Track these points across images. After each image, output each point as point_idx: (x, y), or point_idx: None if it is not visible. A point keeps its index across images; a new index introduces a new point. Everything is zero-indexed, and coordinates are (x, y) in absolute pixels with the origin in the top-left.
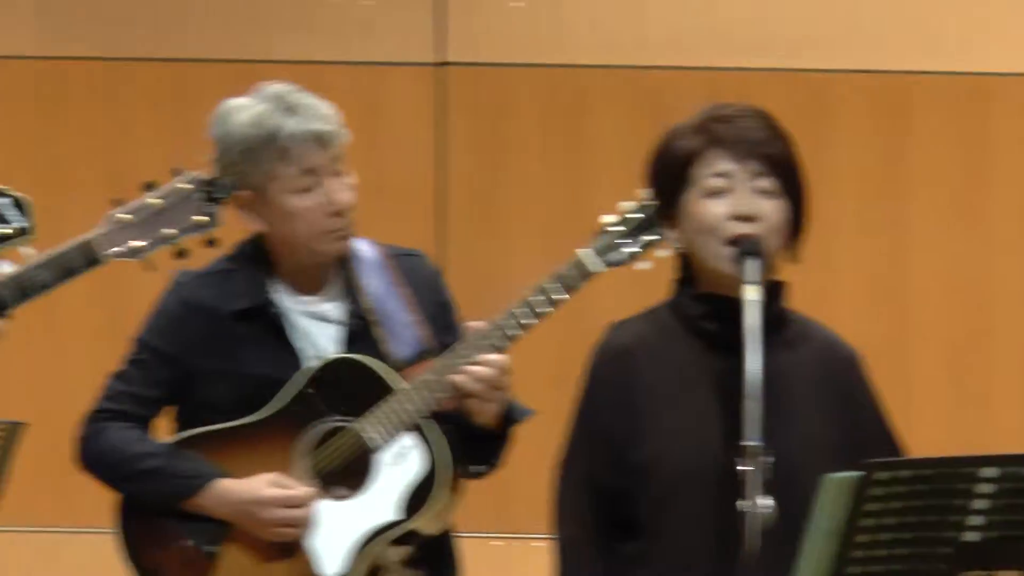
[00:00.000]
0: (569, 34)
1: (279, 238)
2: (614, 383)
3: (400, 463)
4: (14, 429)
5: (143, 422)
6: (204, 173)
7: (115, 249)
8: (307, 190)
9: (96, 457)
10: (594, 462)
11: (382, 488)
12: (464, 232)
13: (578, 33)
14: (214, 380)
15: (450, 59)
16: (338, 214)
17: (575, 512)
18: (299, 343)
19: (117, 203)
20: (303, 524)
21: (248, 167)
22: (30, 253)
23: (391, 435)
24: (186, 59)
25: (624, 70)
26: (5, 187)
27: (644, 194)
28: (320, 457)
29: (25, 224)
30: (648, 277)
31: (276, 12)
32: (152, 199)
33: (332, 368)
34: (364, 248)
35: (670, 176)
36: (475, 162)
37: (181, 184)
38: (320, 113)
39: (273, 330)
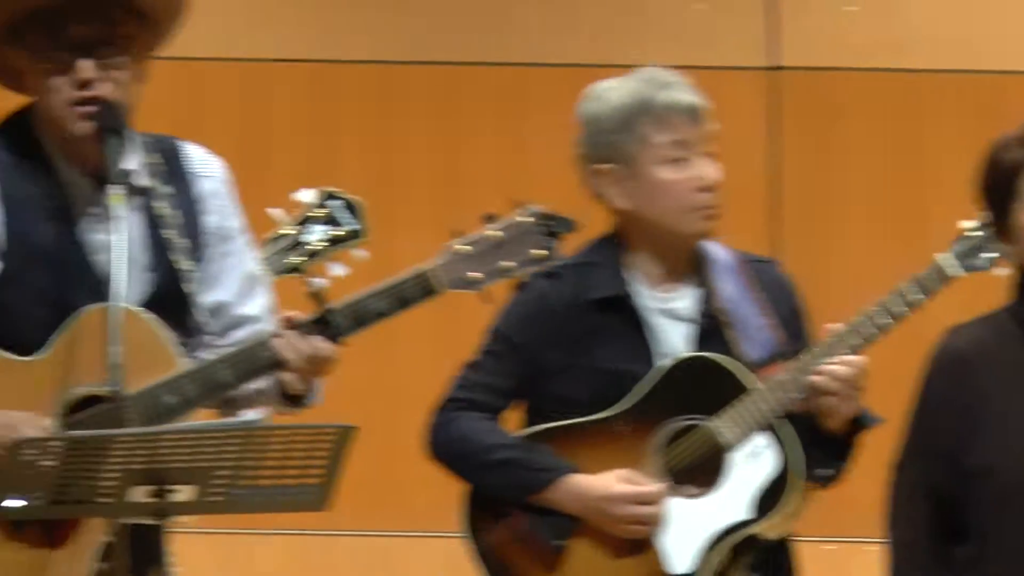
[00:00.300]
0: (903, 38)
1: (643, 217)
2: (951, 388)
3: (753, 462)
4: (345, 433)
5: (494, 412)
6: (544, 207)
7: (452, 280)
8: (677, 162)
9: (446, 446)
10: (930, 466)
11: (734, 487)
12: (798, 235)
13: (912, 37)
14: (567, 374)
15: (784, 63)
16: (707, 189)
17: (910, 516)
18: (652, 339)
19: (456, 234)
20: (654, 521)
21: (621, 136)
22: (362, 256)
23: (745, 434)
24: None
25: (959, 75)
26: (337, 190)
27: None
28: (672, 455)
29: (357, 227)
30: (986, 280)
31: (608, 17)
32: (491, 231)
33: (686, 366)
34: (718, 251)
35: (998, 189)
36: (808, 166)
37: (521, 217)
38: (691, 88)
39: (629, 323)
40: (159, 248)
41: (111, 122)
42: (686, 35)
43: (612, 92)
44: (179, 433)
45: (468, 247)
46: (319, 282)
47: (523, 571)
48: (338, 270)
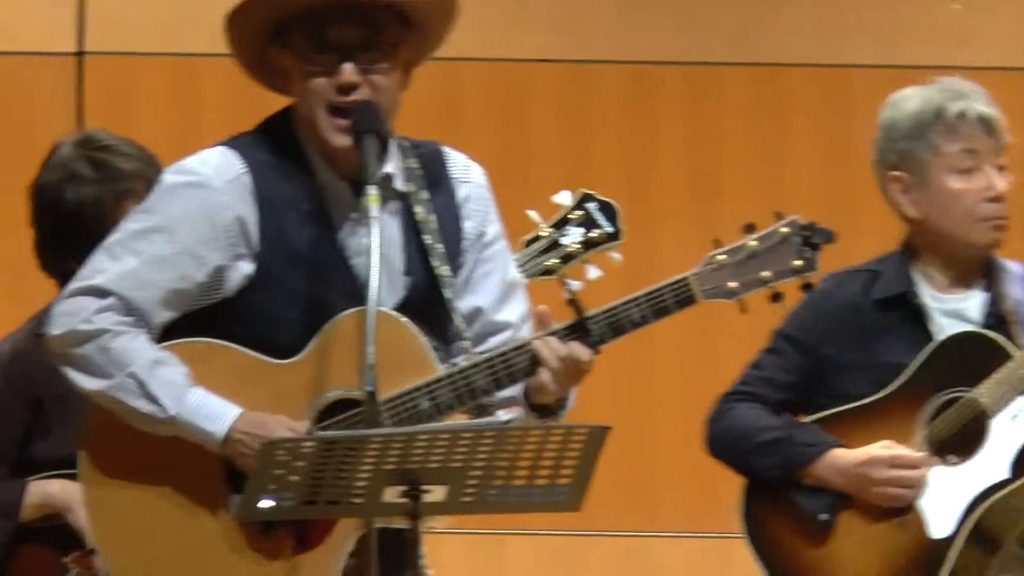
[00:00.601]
0: None
1: (931, 227)
2: None
3: (1014, 424)
4: (598, 433)
5: (772, 405)
6: (802, 218)
7: (710, 289)
8: (967, 171)
9: (720, 436)
10: None
11: (995, 450)
12: None
13: None
14: (849, 371)
15: None
16: (995, 199)
17: None
18: (936, 335)
19: (716, 244)
20: (915, 484)
21: (913, 143)
22: (617, 259)
23: (1007, 398)
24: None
25: None
26: (594, 192)
27: None
28: (936, 427)
29: (613, 229)
30: None
31: (865, 17)
32: (751, 241)
33: (952, 343)
34: (1010, 264)
35: None
36: None
37: (781, 227)
38: (987, 100)
39: (913, 320)
40: (417, 252)
41: (368, 124)
42: (943, 34)
43: (908, 100)
44: (433, 433)
45: (726, 256)
46: (575, 284)
47: (793, 550)
48: (594, 273)
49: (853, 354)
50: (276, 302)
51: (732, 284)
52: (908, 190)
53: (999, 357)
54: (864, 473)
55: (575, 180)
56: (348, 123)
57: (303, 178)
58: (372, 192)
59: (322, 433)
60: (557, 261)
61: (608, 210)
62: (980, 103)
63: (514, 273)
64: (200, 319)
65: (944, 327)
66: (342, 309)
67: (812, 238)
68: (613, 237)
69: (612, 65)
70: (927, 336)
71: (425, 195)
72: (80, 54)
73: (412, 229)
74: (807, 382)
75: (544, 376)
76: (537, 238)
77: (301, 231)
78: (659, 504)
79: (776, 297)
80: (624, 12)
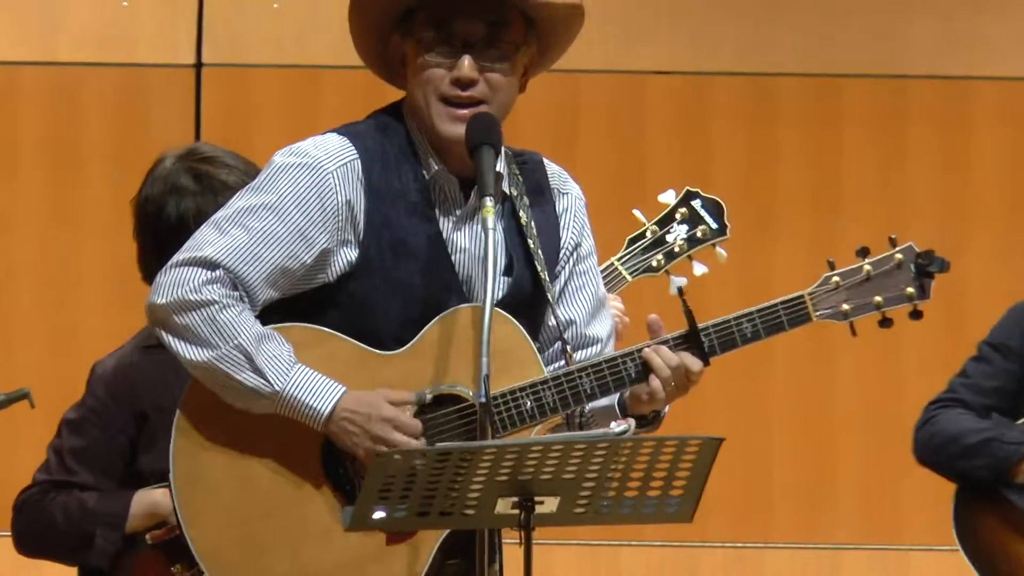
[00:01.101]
0: None
1: None
2: None
3: None
4: (712, 444)
5: (979, 409)
6: (918, 246)
7: (824, 311)
8: None
9: (927, 442)
10: None
11: None
12: None
13: None
14: None
15: None
16: None
17: None
18: None
19: (832, 265)
20: None
21: None
22: (723, 255)
23: None
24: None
25: None
26: (698, 190)
27: None
28: None
29: (717, 225)
30: None
31: (987, 31)
32: (867, 265)
33: None
34: None
35: None
36: None
37: (896, 253)
38: None
39: None
40: (519, 255)
41: (484, 136)
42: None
43: None
44: (546, 445)
45: (840, 278)
46: (680, 281)
47: (1011, 550)
48: (700, 269)
49: None
50: (376, 291)
51: (846, 306)
52: None
53: None
54: None
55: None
56: (462, 112)
57: (412, 169)
58: (488, 204)
59: (439, 445)
60: (661, 258)
61: (714, 207)
62: None
63: (603, 290)
64: (298, 303)
65: None
66: (441, 302)
67: (928, 266)
68: (719, 233)
69: (729, 77)
70: None
71: (527, 201)
72: (198, 66)
73: (516, 232)
74: (1016, 386)
75: (654, 384)
76: (642, 236)
77: (407, 222)
78: (772, 515)
79: (885, 322)
80: (742, 24)
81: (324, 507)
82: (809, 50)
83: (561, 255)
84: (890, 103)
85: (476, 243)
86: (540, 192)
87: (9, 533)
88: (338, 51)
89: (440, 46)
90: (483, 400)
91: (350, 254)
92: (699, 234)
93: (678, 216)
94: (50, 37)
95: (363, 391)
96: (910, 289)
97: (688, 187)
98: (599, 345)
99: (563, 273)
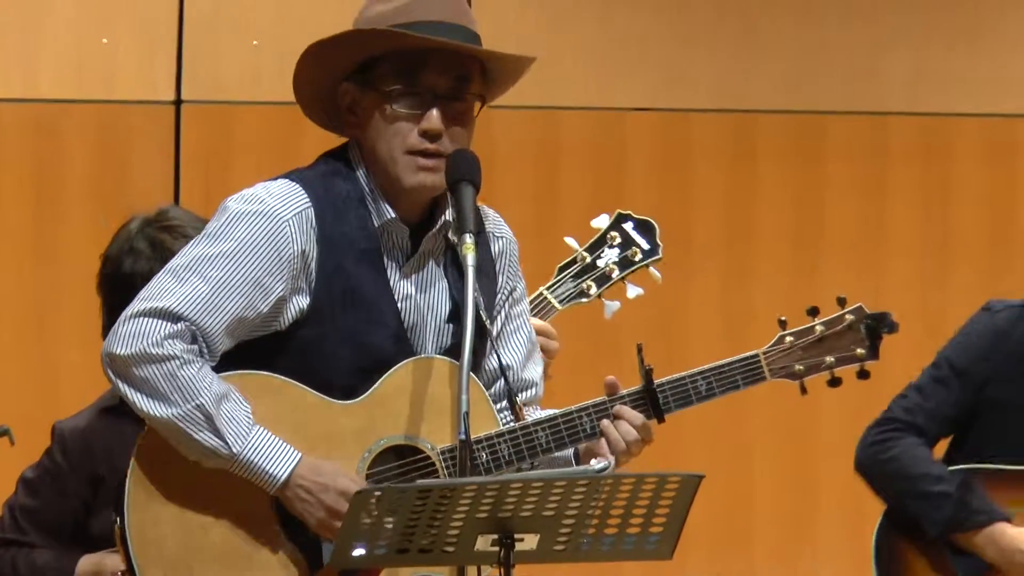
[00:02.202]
0: None
1: None
2: None
3: None
4: (692, 482)
5: (932, 440)
6: (866, 306)
7: (778, 369)
8: None
9: (880, 464)
10: None
11: None
12: None
13: None
14: (1011, 414)
15: None
16: None
17: None
18: None
19: (783, 325)
20: None
21: None
22: (658, 276)
23: None
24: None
25: None
26: (630, 211)
27: None
28: None
29: (649, 246)
30: None
31: (964, 69)
32: (818, 326)
33: None
34: None
35: None
36: None
37: (847, 314)
38: None
39: None
40: (461, 302)
41: (464, 172)
42: None
43: None
44: (526, 481)
45: (793, 338)
46: (614, 305)
47: None
48: (633, 292)
49: (1020, 397)
50: (327, 339)
51: (799, 367)
52: None
53: None
54: (1018, 562)
55: (671, 228)
56: (427, 163)
57: (362, 216)
58: (468, 241)
59: (421, 482)
60: (591, 284)
61: (646, 228)
62: None
63: (535, 333)
64: (248, 350)
65: None
66: (386, 350)
67: (878, 328)
68: (651, 254)
69: (710, 114)
70: None
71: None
72: (178, 102)
73: (458, 278)
74: (967, 419)
75: (616, 445)
76: (572, 262)
77: (357, 270)
78: (753, 548)
79: (834, 381)
80: (721, 61)
81: (280, 559)
82: (788, 87)
83: (498, 299)
84: (869, 140)
85: (420, 291)
86: (478, 236)
87: None
88: None
89: (408, 98)
90: (463, 437)
91: (302, 302)
92: (631, 256)
93: (608, 239)
94: (31, 73)
95: (318, 460)
96: (860, 350)
97: (620, 210)
98: (534, 388)
99: (499, 317)
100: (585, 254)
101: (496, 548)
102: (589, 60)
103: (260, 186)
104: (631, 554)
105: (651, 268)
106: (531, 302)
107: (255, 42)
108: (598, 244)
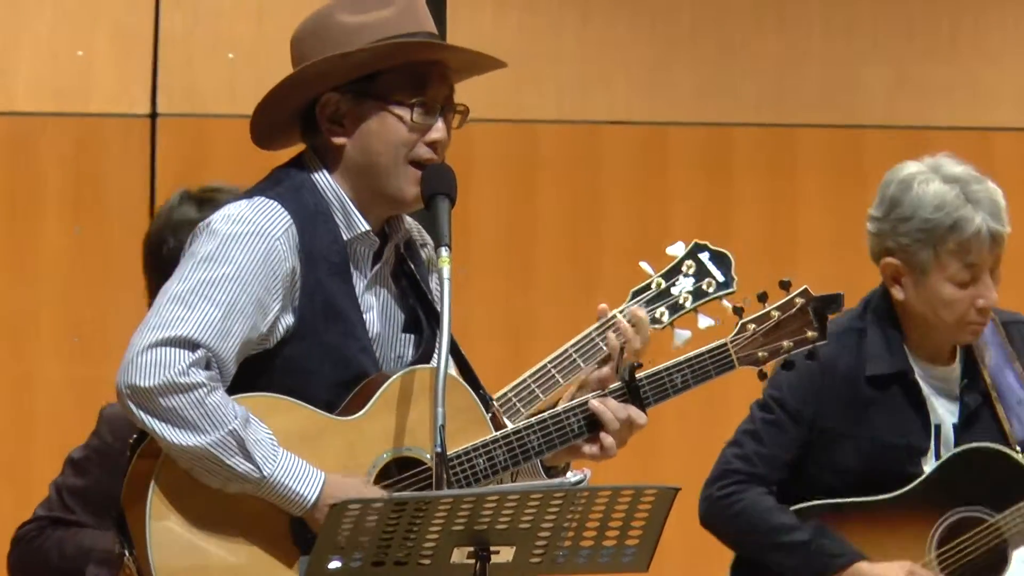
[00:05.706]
0: None
1: (917, 312)
2: None
3: None
4: (667, 495)
5: (774, 485)
6: (811, 288)
7: (744, 357)
8: (964, 284)
9: (729, 521)
10: None
11: None
12: None
13: None
14: (843, 443)
15: None
16: (983, 311)
17: None
18: (931, 414)
19: (740, 312)
20: None
21: (918, 247)
22: (731, 308)
23: None
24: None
25: None
26: (707, 242)
27: None
28: (954, 550)
29: (724, 279)
30: None
31: (940, 78)
32: (774, 311)
33: (968, 456)
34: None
35: None
36: None
37: (796, 297)
38: (999, 209)
39: (908, 397)
40: (415, 311)
41: (441, 186)
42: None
43: (922, 192)
44: (501, 494)
45: (755, 325)
46: (684, 335)
47: None
48: (705, 322)
49: (849, 427)
50: (310, 355)
51: (761, 353)
52: (899, 278)
53: (1017, 476)
54: None
55: (647, 241)
56: (421, 173)
57: (330, 230)
58: (445, 255)
59: (392, 494)
60: (664, 311)
61: (721, 260)
62: (995, 218)
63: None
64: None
65: (931, 403)
66: (358, 363)
67: (824, 308)
68: (723, 287)
69: (686, 127)
70: (924, 414)
71: (413, 257)
72: (153, 116)
73: (412, 288)
74: (803, 454)
75: (607, 441)
76: (646, 288)
77: (331, 284)
78: (728, 563)
79: (788, 365)
80: (698, 74)
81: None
82: (764, 100)
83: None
84: (845, 152)
85: (380, 302)
86: (411, 247)
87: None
88: None
89: (423, 108)
90: (439, 450)
91: (288, 319)
92: (705, 287)
93: (684, 268)
94: (6, 87)
95: (341, 478)
96: (811, 332)
97: (697, 240)
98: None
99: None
100: (661, 280)
101: (472, 561)
102: (566, 73)
103: (242, 204)
104: (607, 566)
105: (724, 301)
106: (599, 327)
107: (231, 55)
108: (673, 272)
